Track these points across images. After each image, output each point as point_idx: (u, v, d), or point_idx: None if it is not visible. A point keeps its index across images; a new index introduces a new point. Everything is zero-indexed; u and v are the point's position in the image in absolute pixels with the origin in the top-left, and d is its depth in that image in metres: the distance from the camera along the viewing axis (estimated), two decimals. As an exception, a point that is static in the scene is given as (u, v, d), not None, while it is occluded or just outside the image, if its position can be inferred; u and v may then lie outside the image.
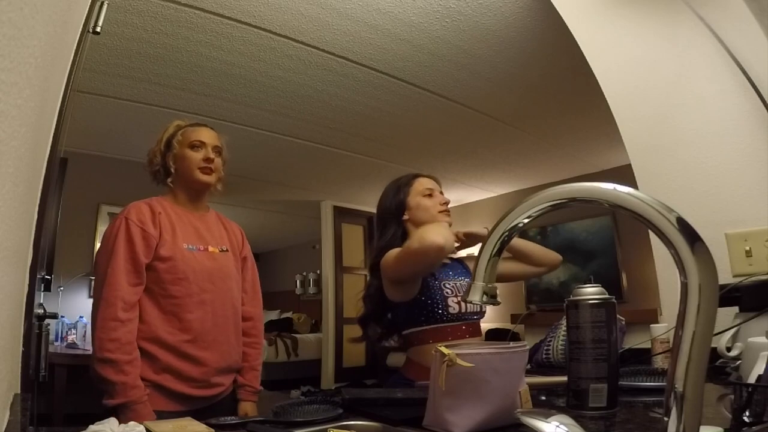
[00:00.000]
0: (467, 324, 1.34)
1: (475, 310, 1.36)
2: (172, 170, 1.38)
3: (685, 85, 1.53)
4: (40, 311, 1.49)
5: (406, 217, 1.42)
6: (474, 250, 1.05)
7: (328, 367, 5.14)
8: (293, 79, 2.86)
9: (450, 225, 1.44)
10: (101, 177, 4.26)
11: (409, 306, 1.32)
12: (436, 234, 1.16)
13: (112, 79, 2.77)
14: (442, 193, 1.47)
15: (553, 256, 1.52)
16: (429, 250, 1.16)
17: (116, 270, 1.20)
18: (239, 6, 2.19)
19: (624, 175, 1.51)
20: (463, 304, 1.33)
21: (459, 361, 0.75)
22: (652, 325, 1.39)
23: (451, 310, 1.31)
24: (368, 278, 1.44)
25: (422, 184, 1.45)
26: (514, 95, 3.09)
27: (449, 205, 1.45)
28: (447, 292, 1.33)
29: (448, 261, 1.47)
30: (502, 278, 1.47)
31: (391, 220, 1.43)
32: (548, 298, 4.63)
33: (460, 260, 1.53)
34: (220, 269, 1.35)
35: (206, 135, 1.40)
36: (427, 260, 1.20)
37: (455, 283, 1.37)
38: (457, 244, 1.46)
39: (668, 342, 1.32)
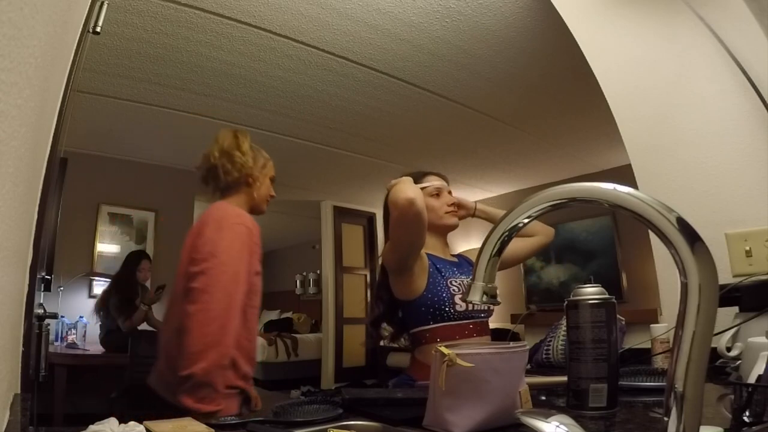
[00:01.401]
0: (475, 323, 1.32)
1: (482, 309, 1.34)
2: (251, 181, 1.44)
3: (685, 85, 1.53)
4: (40, 311, 1.49)
5: None
6: (476, 246, 1.04)
7: (328, 367, 5.14)
8: (293, 79, 2.86)
9: (456, 226, 1.44)
10: (101, 177, 4.26)
11: (416, 305, 1.31)
12: (402, 191, 1.17)
13: (112, 79, 2.78)
14: (450, 192, 1.46)
15: (547, 226, 1.56)
16: (404, 208, 1.15)
17: (240, 279, 1.24)
18: (239, 6, 2.20)
19: (624, 175, 1.51)
20: None
21: (459, 361, 0.75)
22: (652, 325, 1.39)
23: (458, 308, 1.29)
24: (377, 279, 1.43)
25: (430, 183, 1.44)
26: (514, 95, 3.09)
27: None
28: (453, 290, 1.31)
29: (455, 259, 1.47)
30: (505, 264, 1.47)
31: None
32: (548, 298, 4.63)
33: (465, 257, 1.53)
34: None
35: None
36: (408, 219, 1.18)
37: (461, 281, 1.35)
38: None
39: (668, 342, 1.32)
